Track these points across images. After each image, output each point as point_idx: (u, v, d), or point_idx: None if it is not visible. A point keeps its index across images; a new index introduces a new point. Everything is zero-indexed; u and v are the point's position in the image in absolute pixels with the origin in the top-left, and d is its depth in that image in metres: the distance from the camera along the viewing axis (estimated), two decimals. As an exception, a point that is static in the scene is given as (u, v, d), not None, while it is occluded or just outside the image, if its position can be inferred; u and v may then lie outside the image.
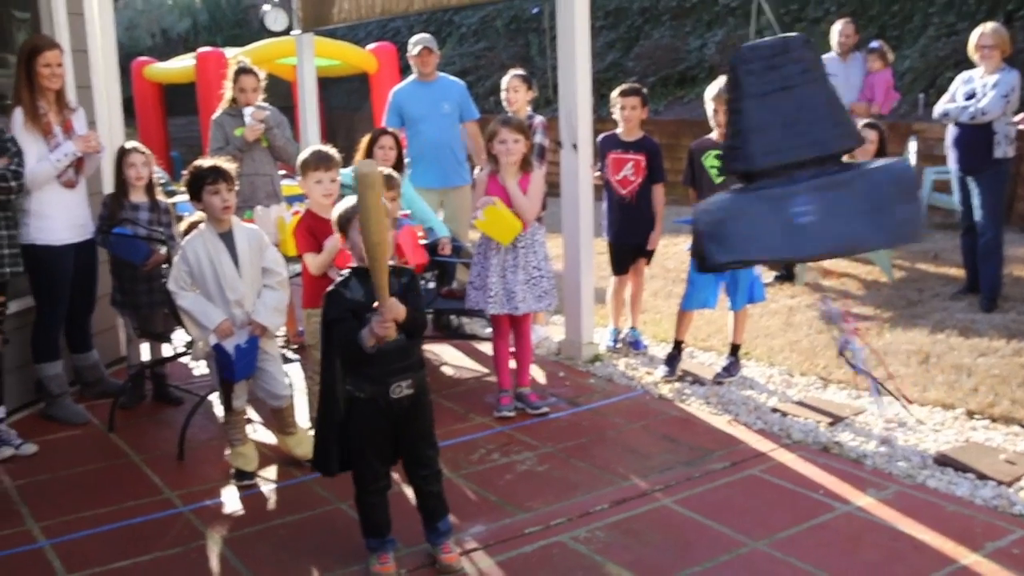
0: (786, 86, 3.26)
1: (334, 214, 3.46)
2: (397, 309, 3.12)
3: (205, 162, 4.24)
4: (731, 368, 5.42)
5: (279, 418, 4.46)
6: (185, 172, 4.27)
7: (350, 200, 3.38)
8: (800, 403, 4.96)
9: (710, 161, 5.21)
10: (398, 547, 3.46)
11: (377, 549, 3.42)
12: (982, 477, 4.01)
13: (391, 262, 3.34)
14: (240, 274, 4.18)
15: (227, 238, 4.19)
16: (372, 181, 3.00)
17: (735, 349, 5.47)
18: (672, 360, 5.48)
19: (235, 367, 4.14)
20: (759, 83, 3.26)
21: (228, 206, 4.16)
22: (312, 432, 4.54)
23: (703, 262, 3.41)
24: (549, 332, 6.32)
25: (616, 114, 5.86)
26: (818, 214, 3.19)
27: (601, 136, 5.90)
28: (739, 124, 3.30)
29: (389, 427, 3.33)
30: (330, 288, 3.31)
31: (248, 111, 5.88)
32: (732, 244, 3.27)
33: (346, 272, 3.35)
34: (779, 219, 3.22)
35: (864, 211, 3.22)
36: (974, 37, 6.54)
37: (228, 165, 4.24)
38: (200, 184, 4.13)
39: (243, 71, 5.96)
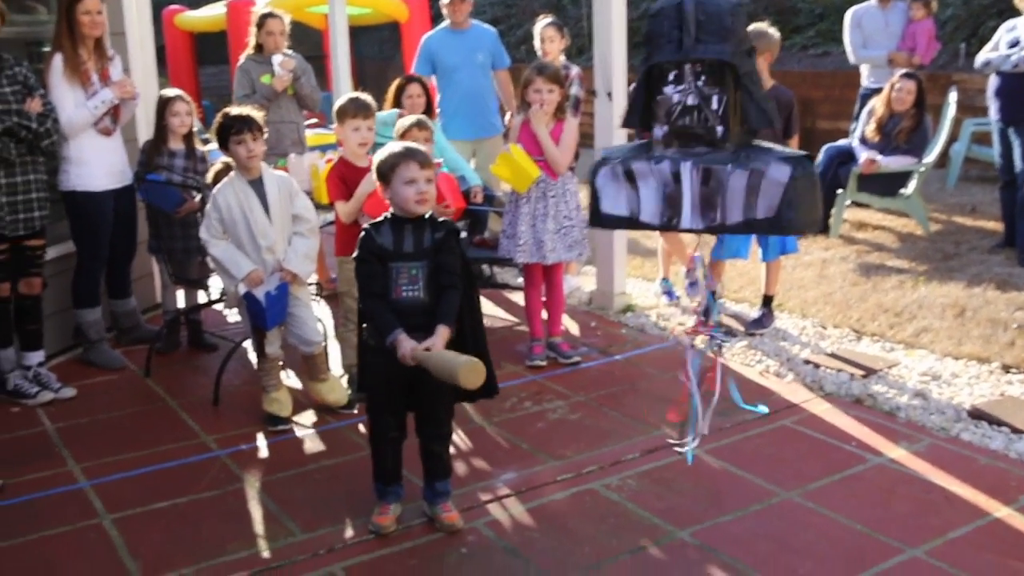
0: None
1: (376, 160, 3.39)
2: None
3: (233, 110, 4.24)
4: (764, 320, 5.39)
5: (311, 365, 4.50)
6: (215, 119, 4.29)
7: (390, 147, 3.36)
8: (833, 355, 4.93)
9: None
10: (403, 498, 3.48)
11: (380, 497, 3.43)
12: (1017, 431, 3.98)
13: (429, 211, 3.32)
14: (271, 221, 4.20)
15: (257, 186, 4.21)
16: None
17: (768, 300, 5.44)
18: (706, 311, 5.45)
19: (266, 315, 4.17)
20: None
21: (253, 155, 4.16)
22: (344, 378, 4.62)
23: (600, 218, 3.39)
24: (580, 282, 6.31)
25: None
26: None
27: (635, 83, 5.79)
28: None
29: (402, 379, 3.25)
30: (364, 228, 3.32)
31: (276, 59, 5.86)
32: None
33: (380, 218, 3.34)
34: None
35: None
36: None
37: (256, 114, 4.23)
38: (227, 133, 4.14)
39: (269, 15, 5.97)
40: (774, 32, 5.16)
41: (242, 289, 4.17)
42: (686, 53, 3.31)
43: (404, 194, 3.22)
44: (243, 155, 4.15)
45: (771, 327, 5.37)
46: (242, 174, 4.22)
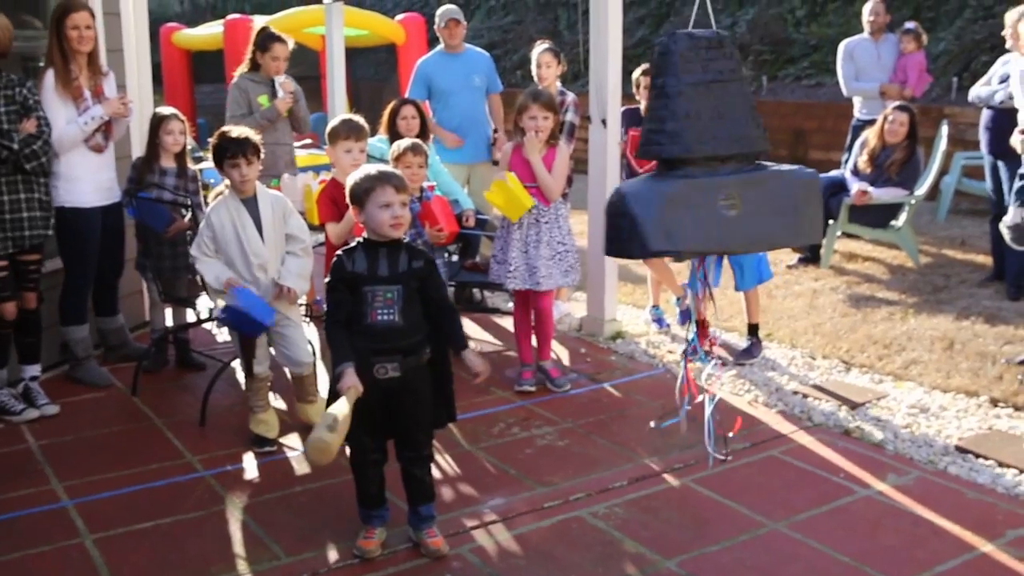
0: (717, 80, 3.26)
1: (349, 183, 3.36)
2: None
3: (232, 132, 4.23)
4: (752, 349, 5.39)
5: (300, 386, 4.48)
6: (212, 138, 4.28)
7: (365, 170, 3.35)
8: (822, 386, 4.93)
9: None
10: (388, 522, 3.46)
11: (365, 521, 3.41)
12: (1003, 465, 3.98)
13: (406, 237, 3.32)
14: (264, 239, 4.20)
15: (251, 204, 4.22)
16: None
17: (753, 329, 5.44)
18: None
19: (251, 314, 4.04)
20: (695, 71, 3.26)
21: (246, 180, 4.17)
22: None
23: (629, 250, 3.34)
24: (571, 308, 6.31)
25: (639, 93, 5.81)
26: (740, 209, 3.22)
27: (623, 108, 5.79)
28: (674, 108, 3.25)
29: (378, 402, 3.22)
30: (336, 254, 3.30)
31: (279, 80, 5.85)
32: (669, 233, 3.22)
33: (353, 243, 3.32)
34: (709, 210, 3.22)
35: (776, 210, 3.25)
36: (1009, 19, 6.43)
37: (254, 137, 4.22)
38: (223, 155, 4.15)
39: (275, 38, 5.90)
40: None
41: (221, 303, 4.14)
42: None
43: (379, 218, 3.20)
44: (236, 179, 4.16)
45: (760, 357, 5.37)
46: (236, 193, 4.22)
